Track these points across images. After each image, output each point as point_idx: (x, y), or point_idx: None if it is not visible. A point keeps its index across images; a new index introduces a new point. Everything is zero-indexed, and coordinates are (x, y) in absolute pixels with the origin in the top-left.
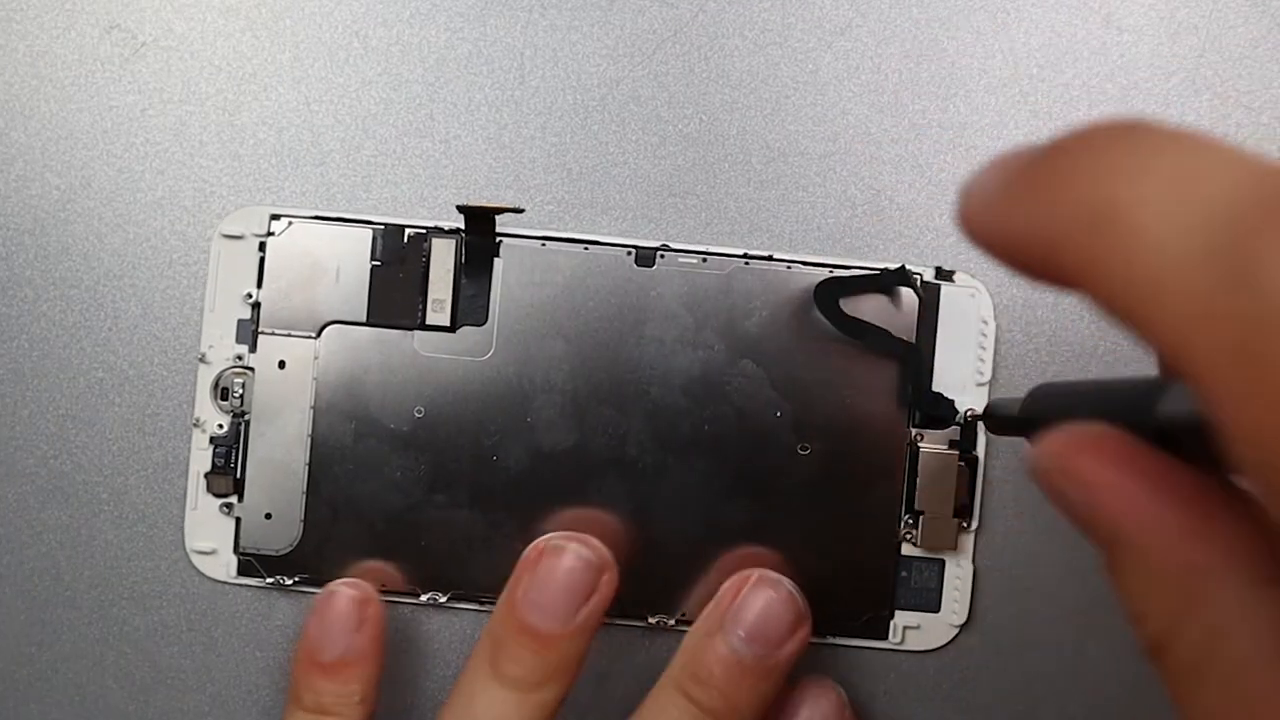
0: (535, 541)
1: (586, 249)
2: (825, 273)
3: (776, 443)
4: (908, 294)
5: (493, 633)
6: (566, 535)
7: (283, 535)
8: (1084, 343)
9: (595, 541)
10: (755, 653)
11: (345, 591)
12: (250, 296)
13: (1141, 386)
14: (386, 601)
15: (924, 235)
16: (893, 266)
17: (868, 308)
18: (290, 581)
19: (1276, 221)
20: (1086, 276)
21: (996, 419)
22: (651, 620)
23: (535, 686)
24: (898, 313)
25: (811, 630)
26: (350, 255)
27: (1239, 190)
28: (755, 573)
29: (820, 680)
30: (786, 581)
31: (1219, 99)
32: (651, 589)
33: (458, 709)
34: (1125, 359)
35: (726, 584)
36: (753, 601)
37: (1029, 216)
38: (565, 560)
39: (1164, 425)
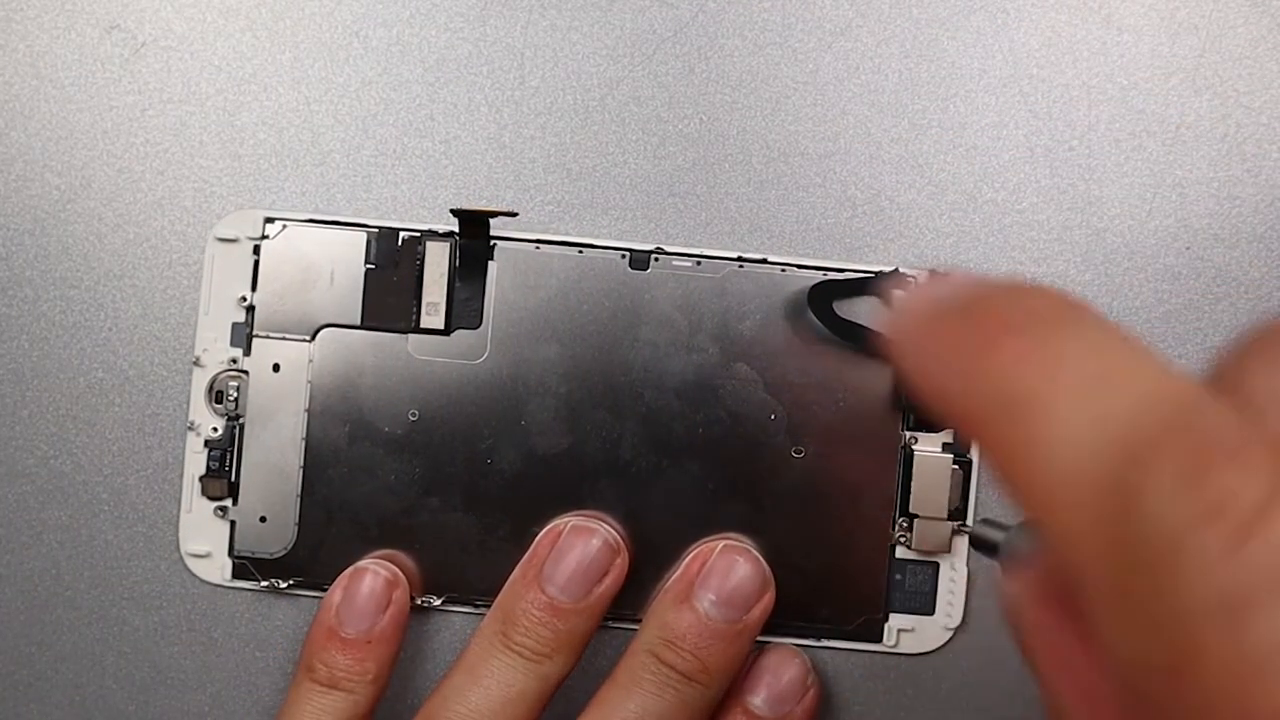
0: (555, 522)
1: (581, 252)
2: (819, 276)
3: (770, 446)
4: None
5: (505, 604)
6: (587, 516)
7: (277, 538)
8: None
9: (611, 527)
10: (725, 616)
11: (376, 570)
12: (245, 300)
13: None
14: None
15: (924, 236)
16: (886, 269)
17: (862, 310)
18: (285, 585)
19: (1166, 454)
20: (992, 454)
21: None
22: None
23: (543, 658)
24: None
25: (776, 596)
26: (344, 258)
27: (1140, 412)
28: (720, 542)
29: (784, 647)
30: (752, 550)
31: (1219, 99)
32: (646, 591)
33: (463, 673)
34: None
35: (692, 553)
36: (721, 567)
37: (949, 372)
38: (586, 539)
39: None
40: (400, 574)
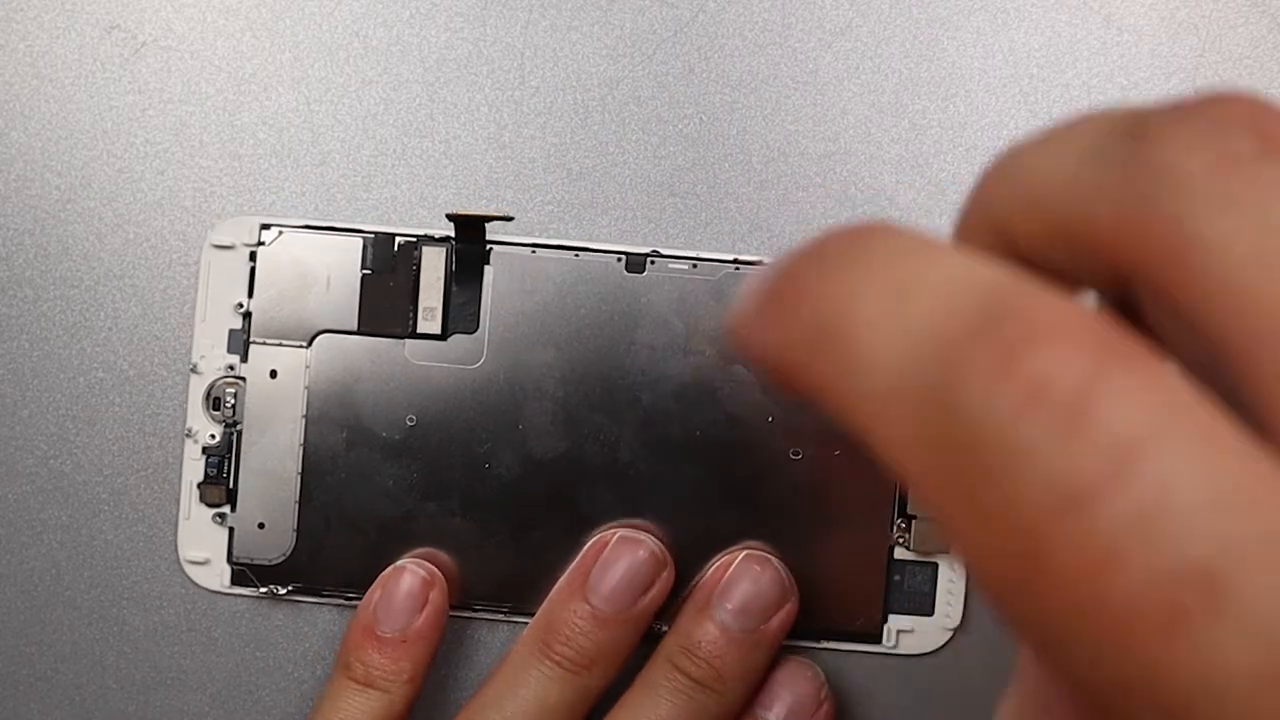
0: (601, 533)
1: (576, 255)
2: None
3: (768, 448)
4: None
5: (548, 613)
6: (633, 528)
7: (276, 545)
8: None
9: (658, 539)
10: (743, 625)
11: (414, 570)
12: (241, 306)
13: None
14: None
15: None
16: None
17: None
18: (284, 591)
19: (976, 343)
20: (815, 397)
21: None
22: None
23: (583, 669)
24: None
25: (799, 605)
26: (340, 264)
27: (948, 307)
28: (742, 551)
29: (799, 660)
30: (773, 560)
31: None
32: None
33: (501, 683)
34: None
35: (715, 563)
36: (739, 577)
37: (766, 335)
38: (634, 550)
39: None
40: (439, 573)
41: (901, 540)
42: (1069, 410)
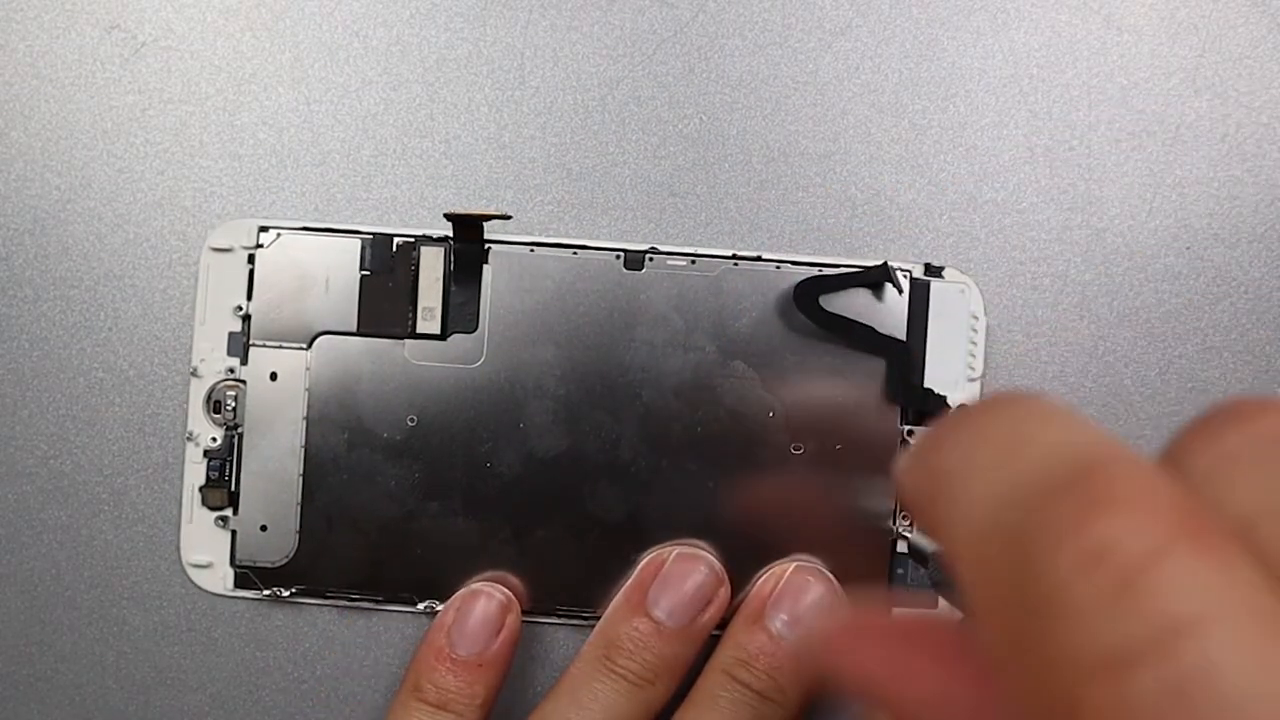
0: (660, 551)
1: (575, 253)
2: (813, 271)
3: (769, 443)
4: (894, 290)
5: (608, 629)
6: (692, 545)
7: (278, 547)
8: (1075, 338)
9: (714, 557)
10: (798, 636)
11: (491, 593)
12: (240, 309)
13: None
14: (385, 611)
15: (924, 235)
16: (875, 264)
17: (859, 305)
18: (287, 593)
19: (1056, 502)
20: (931, 531)
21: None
22: None
23: (646, 683)
24: (887, 310)
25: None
26: (339, 265)
27: (1045, 467)
28: (793, 563)
29: (812, 567)
30: (824, 569)
31: (1219, 99)
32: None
33: (565, 696)
34: (1122, 356)
35: (765, 574)
36: (793, 588)
37: (907, 476)
38: (694, 565)
39: None
40: (514, 598)
41: (905, 533)
42: (1125, 577)
